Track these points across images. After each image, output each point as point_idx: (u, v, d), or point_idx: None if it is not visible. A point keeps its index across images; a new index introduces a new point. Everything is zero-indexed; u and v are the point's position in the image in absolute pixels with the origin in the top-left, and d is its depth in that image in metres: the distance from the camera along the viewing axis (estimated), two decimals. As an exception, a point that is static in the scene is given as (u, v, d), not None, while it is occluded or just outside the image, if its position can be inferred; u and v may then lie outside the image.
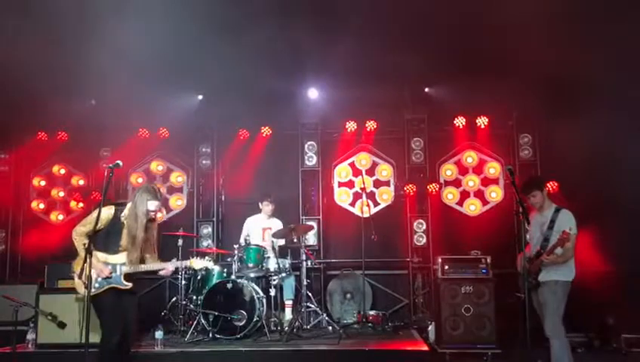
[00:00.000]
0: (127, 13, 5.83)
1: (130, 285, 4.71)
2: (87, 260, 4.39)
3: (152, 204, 4.74)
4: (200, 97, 8.74)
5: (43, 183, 9.16)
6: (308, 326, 7.04)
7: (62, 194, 9.10)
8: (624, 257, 7.25)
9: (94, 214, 4.63)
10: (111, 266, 4.67)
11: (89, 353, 4.34)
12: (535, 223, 5.26)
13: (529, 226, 5.34)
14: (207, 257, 5.08)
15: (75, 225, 4.76)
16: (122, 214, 4.72)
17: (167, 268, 4.87)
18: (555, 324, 4.99)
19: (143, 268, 4.78)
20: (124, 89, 7.39)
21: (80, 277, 4.56)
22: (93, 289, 4.53)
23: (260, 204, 7.73)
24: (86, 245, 4.46)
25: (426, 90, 8.47)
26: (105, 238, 4.68)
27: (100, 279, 4.63)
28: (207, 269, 5.24)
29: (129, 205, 4.76)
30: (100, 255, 4.63)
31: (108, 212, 4.71)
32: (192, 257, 5.02)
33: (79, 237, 4.67)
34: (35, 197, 9.14)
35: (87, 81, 7.24)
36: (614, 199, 7.26)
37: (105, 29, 6.18)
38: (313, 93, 8.66)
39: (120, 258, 4.71)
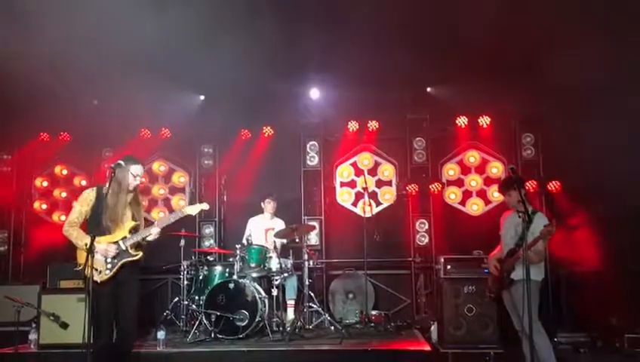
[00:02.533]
0: (129, 13, 5.82)
1: (139, 254, 4.64)
2: (89, 260, 4.35)
3: (137, 169, 4.66)
4: (202, 97, 8.74)
5: (45, 184, 9.17)
6: (310, 326, 7.04)
7: (64, 194, 9.10)
8: (627, 256, 7.21)
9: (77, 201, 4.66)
10: (115, 245, 4.58)
11: (91, 353, 4.33)
12: (509, 223, 5.26)
13: (501, 229, 5.40)
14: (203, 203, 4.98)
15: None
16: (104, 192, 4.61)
17: (157, 227, 4.66)
18: (535, 324, 4.96)
19: (142, 234, 4.64)
20: (126, 89, 7.40)
21: (85, 269, 4.38)
22: (108, 272, 4.52)
23: (261, 203, 7.74)
24: (88, 244, 4.41)
25: (428, 89, 8.45)
26: (98, 222, 4.57)
27: (109, 260, 4.55)
28: (202, 210, 5.05)
29: (109, 181, 4.60)
30: (102, 239, 4.53)
31: (89, 193, 4.66)
32: (185, 209, 4.82)
33: (69, 228, 4.59)
34: (37, 198, 9.15)
35: (90, 81, 7.24)
36: (617, 198, 7.23)
37: (107, 29, 6.18)
38: (315, 93, 8.66)
39: (119, 233, 4.62)
